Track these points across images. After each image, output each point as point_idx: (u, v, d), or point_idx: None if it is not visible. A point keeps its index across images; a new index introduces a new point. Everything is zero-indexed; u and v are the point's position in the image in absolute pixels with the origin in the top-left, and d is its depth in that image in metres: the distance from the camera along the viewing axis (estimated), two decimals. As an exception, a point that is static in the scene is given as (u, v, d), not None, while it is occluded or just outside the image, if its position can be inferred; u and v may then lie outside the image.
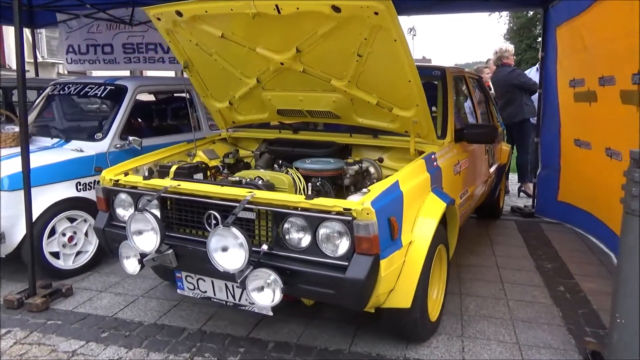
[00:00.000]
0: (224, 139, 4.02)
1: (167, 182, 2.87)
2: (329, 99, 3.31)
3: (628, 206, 2.25)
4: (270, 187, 2.90)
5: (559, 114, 5.49)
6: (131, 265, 2.81)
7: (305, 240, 2.47)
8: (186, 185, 2.78)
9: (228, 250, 2.39)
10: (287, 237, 2.51)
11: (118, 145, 4.36)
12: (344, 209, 2.36)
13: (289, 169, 3.26)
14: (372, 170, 3.26)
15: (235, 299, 2.75)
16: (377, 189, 2.50)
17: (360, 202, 2.36)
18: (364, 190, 2.58)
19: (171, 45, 3.39)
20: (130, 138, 4.32)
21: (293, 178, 3.11)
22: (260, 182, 2.90)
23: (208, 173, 3.38)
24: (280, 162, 3.53)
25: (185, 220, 2.80)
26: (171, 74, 8.54)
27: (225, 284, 2.75)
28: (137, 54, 7.38)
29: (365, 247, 2.31)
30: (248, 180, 2.89)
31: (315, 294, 2.50)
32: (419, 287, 2.65)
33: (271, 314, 2.62)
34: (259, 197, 2.53)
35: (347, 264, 2.36)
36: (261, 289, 2.41)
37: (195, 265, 2.75)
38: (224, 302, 2.80)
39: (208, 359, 2.84)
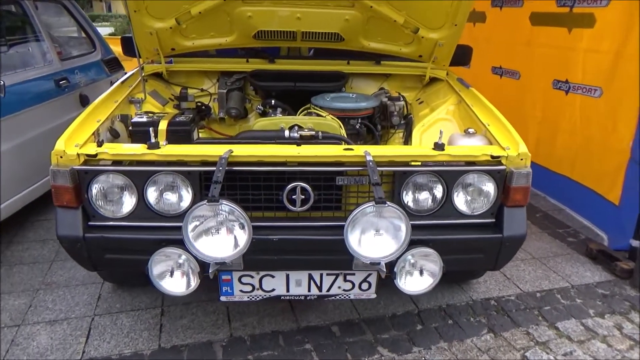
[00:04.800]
0: (158, 73, 2.86)
1: (200, 149, 1.88)
2: (340, 17, 2.61)
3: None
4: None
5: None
6: (179, 282, 1.82)
7: (435, 200, 1.98)
8: (245, 151, 1.86)
9: (380, 234, 1.73)
10: (407, 199, 1.97)
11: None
12: (492, 156, 1.94)
13: (315, 110, 2.53)
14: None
15: (321, 290, 2.09)
16: (498, 127, 2.13)
17: (500, 148, 1.98)
18: (470, 130, 2.18)
19: None
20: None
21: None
22: (319, 133, 2.16)
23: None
24: (272, 101, 2.71)
25: (251, 201, 1.91)
26: None
27: (310, 275, 2.05)
28: None
29: (518, 198, 1.97)
30: (321, 133, 2.12)
31: (457, 263, 2.07)
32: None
33: (374, 296, 2.11)
34: (377, 155, 1.87)
35: (493, 220, 2.00)
36: (415, 272, 1.87)
37: (271, 260, 1.95)
38: (303, 298, 2.11)
39: (282, 373, 2.17)
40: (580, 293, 2.81)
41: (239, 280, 2.04)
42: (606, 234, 3.27)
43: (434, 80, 2.97)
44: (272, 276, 2.04)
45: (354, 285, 2.08)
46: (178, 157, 1.86)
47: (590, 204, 3.49)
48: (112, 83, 4.61)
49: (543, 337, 2.43)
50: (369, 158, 1.81)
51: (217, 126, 2.90)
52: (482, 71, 4.79)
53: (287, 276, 2.05)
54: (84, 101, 3.94)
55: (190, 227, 1.66)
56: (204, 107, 2.80)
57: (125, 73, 4.96)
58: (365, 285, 2.08)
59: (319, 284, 2.08)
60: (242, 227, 1.71)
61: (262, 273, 2.03)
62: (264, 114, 2.80)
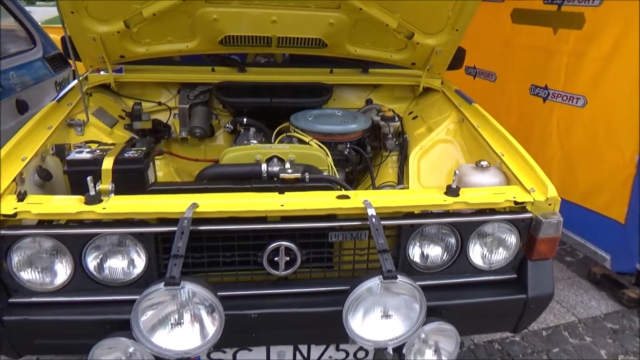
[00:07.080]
0: (106, 85, 2.39)
1: (156, 203, 1.46)
2: (324, 21, 2.21)
3: None
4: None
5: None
6: (131, 379, 1.42)
7: (447, 254, 1.63)
8: (213, 204, 1.45)
9: (389, 316, 1.37)
10: (413, 254, 1.62)
11: None
12: (516, 202, 1.61)
13: (295, 134, 2.13)
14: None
15: (310, 362, 1.73)
16: (515, 158, 1.80)
17: (524, 190, 1.65)
18: (482, 163, 1.83)
19: None
20: None
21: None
22: (304, 171, 1.76)
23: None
24: (243, 120, 2.30)
25: (222, 264, 1.52)
26: None
27: (296, 347, 1.68)
28: None
29: (545, 250, 1.65)
30: (305, 173, 1.72)
31: (471, 329, 1.74)
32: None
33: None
34: (380, 206, 1.50)
35: (515, 276, 1.68)
36: (428, 351, 1.52)
37: (249, 337, 1.57)
38: (287, 370, 1.75)
39: None
40: (589, 328, 2.55)
41: (208, 356, 1.66)
42: (609, 254, 3.03)
43: (427, 90, 2.62)
44: (249, 350, 1.67)
45: (347, 354, 1.73)
46: (126, 215, 1.44)
47: (581, 221, 3.21)
48: (57, 83, 4.09)
49: (557, 390, 2.16)
50: (371, 213, 1.44)
51: (179, 148, 2.46)
52: (454, 71, 4.47)
53: (268, 350, 1.67)
54: (22, 108, 3.41)
55: (143, 318, 1.26)
56: (162, 127, 2.36)
57: (74, 72, 4.45)
58: (361, 354, 1.74)
59: (305, 356, 1.71)
60: (212, 310, 1.32)
61: (235, 348, 1.65)
62: (233, 133, 2.39)
